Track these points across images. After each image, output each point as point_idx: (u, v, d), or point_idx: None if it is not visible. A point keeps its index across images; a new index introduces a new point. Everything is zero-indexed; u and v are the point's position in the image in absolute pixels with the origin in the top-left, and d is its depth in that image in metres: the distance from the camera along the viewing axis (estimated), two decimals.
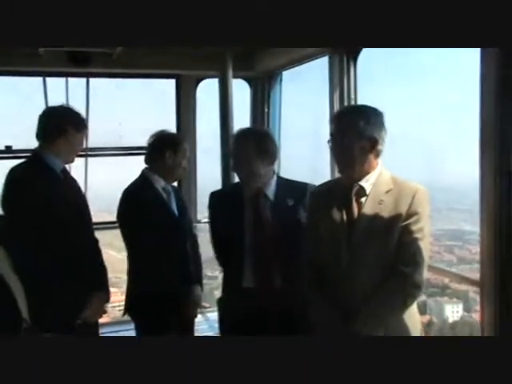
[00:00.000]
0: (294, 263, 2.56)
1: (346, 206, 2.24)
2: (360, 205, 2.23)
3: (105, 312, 2.83)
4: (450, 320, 4.46)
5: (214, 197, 2.92)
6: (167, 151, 2.97)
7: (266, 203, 2.70)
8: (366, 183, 2.23)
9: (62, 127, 2.61)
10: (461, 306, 4.48)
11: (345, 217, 2.23)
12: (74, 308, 2.55)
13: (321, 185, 2.54)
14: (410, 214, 2.15)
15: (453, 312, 4.48)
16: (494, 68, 2.20)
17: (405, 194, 2.18)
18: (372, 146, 2.19)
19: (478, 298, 4.27)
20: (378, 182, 2.23)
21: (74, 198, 2.70)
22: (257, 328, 2.53)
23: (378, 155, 2.24)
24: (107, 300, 2.82)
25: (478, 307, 4.36)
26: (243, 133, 2.78)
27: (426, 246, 2.17)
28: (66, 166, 2.80)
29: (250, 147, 2.65)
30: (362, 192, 2.23)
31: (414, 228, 2.15)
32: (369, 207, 2.21)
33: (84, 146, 2.78)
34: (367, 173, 2.23)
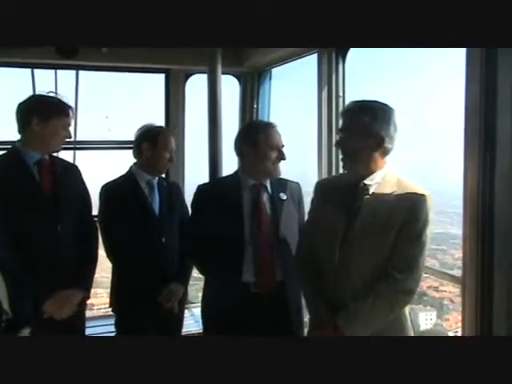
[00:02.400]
0: (292, 256, 2.59)
1: (348, 202, 2.22)
2: (361, 203, 2.19)
3: (74, 310, 2.63)
4: (422, 328, 4.44)
5: (204, 191, 2.85)
6: (144, 143, 3.00)
7: (266, 195, 2.75)
8: (371, 182, 2.19)
9: (25, 118, 2.59)
10: (434, 313, 4.47)
11: (344, 213, 2.20)
12: (38, 301, 2.48)
13: (327, 178, 2.55)
14: (409, 219, 2.11)
15: (426, 320, 4.46)
16: (479, 66, 2.22)
17: (407, 198, 2.13)
18: (378, 144, 2.16)
19: (450, 306, 4.31)
20: (383, 182, 2.19)
21: (50, 189, 2.64)
22: (256, 324, 2.54)
23: (385, 153, 2.21)
24: (83, 298, 2.70)
25: (448, 316, 4.40)
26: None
27: (422, 252, 2.13)
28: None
29: None
30: (365, 190, 2.19)
31: (411, 234, 2.11)
32: (369, 207, 2.17)
33: (66, 133, 2.67)
34: (373, 171, 2.19)
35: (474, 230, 2.25)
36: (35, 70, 3.93)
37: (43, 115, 2.58)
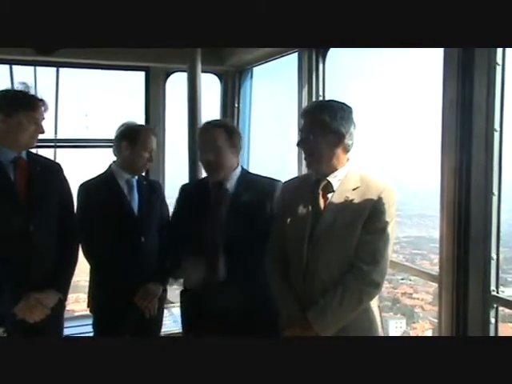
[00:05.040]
0: (239, 257, 2.59)
1: (313, 200, 2.26)
2: (326, 200, 2.24)
3: (47, 312, 2.52)
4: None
5: (184, 190, 2.95)
6: (122, 142, 2.96)
7: (225, 195, 2.71)
8: (334, 179, 2.24)
9: None
10: (404, 321, 4.49)
11: (310, 211, 2.25)
12: (9, 302, 2.43)
13: (292, 178, 2.57)
14: (373, 213, 2.16)
15: (396, 328, 4.47)
16: (455, 66, 2.25)
17: (371, 193, 2.18)
18: (338, 140, 2.20)
19: (421, 314, 4.36)
20: (346, 178, 2.24)
21: (25, 188, 2.57)
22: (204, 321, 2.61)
23: (346, 150, 2.25)
24: (59, 300, 2.61)
25: (415, 325, 4.44)
26: (214, 124, 2.77)
27: (387, 245, 2.17)
28: None
29: (221, 138, 2.66)
30: (329, 187, 2.24)
31: (376, 227, 2.16)
32: (334, 203, 2.21)
33: (35, 128, 2.58)
34: (335, 168, 2.24)
35: (451, 229, 2.28)
36: (14, 67, 3.90)
37: (6, 111, 2.52)
